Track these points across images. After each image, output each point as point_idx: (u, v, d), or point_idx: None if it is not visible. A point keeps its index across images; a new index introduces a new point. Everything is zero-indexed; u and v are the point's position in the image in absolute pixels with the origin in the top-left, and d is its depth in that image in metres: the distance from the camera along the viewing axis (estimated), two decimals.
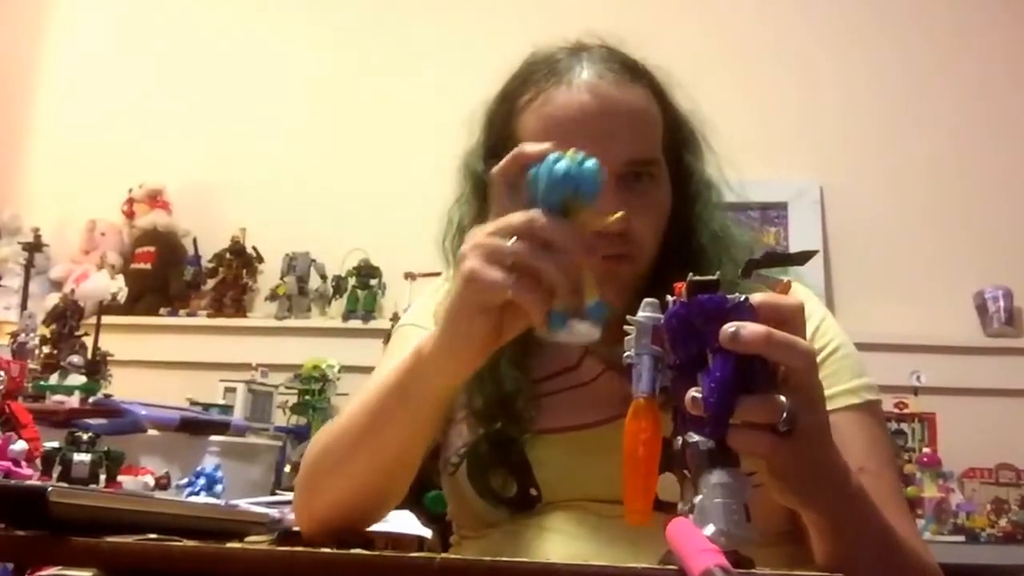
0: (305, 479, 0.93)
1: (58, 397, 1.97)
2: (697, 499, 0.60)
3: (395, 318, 2.44)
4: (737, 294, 0.63)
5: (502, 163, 0.76)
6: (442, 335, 0.77)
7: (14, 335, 2.12)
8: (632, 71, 0.92)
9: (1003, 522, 2.12)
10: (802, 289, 0.97)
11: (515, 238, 0.71)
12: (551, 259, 0.70)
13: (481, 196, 0.96)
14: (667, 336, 0.64)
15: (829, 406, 0.86)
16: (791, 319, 0.64)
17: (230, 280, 2.76)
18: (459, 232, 0.98)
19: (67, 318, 2.25)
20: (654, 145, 0.92)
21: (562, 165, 0.72)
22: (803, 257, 0.70)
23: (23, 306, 2.58)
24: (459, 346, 0.77)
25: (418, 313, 1.04)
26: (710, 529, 0.58)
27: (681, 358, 0.64)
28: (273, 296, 2.72)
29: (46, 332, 2.23)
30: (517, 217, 0.72)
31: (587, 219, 0.73)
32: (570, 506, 0.89)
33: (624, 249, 0.89)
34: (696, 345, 0.62)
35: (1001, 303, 2.40)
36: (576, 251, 0.71)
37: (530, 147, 0.75)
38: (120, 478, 1.58)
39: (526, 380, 0.92)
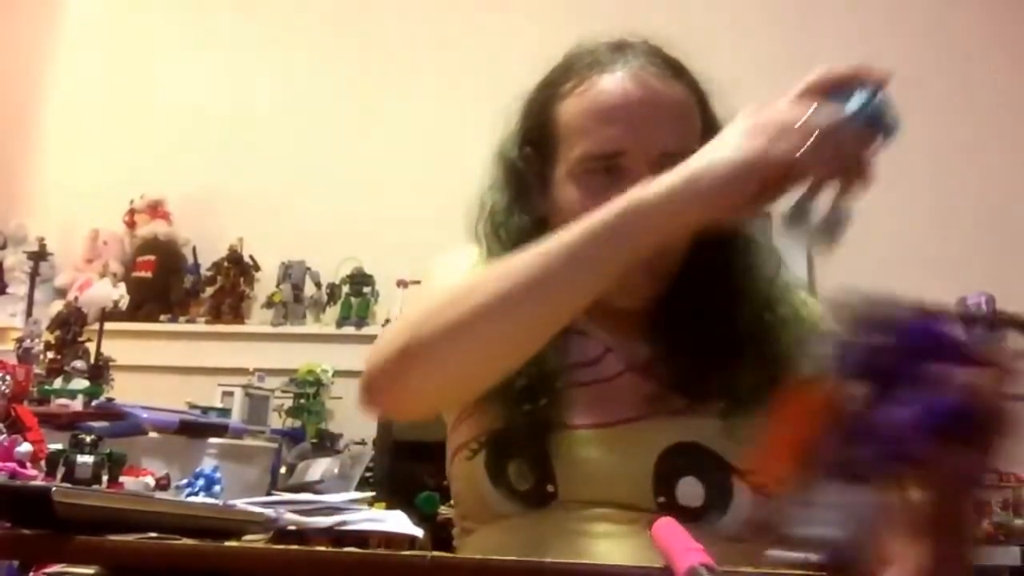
0: (422, 342, 0.79)
1: (62, 401, 2.03)
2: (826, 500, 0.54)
3: (388, 324, 2.48)
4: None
5: (839, 68, 0.74)
6: (705, 182, 0.72)
7: (19, 341, 2.16)
8: (674, 69, 0.92)
9: (985, 524, 2.12)
10: (818, 304, 0.97)
11: (838, 129, 0.71)
12: (850, 170, 0.71)
13: (514, 182, 0.96)
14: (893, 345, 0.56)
15: None
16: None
17: (228, 288, 2.81)
18: (491, 217, 0.95)
19: (71, 324, 2.30)
20: (692, 140, 0.89)
21: (886, 98, 0.73)
22: None
23: (28, 313, 2.63)
24: (715, 197, 0.72)
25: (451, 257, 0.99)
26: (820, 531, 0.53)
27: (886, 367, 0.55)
28: (269, 303, 2.77)
29: (50, 338, 2.27)
30: (842, 118, 0.71)
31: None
32: (585, 506, 0.85)
33: None
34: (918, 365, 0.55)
35: (984, 309, 2.41)
36: (867, 166, 0.72)
37: (876, 69, 0.73)
38: (122, 479, 1.63)
39: (565, 363, 0.89)
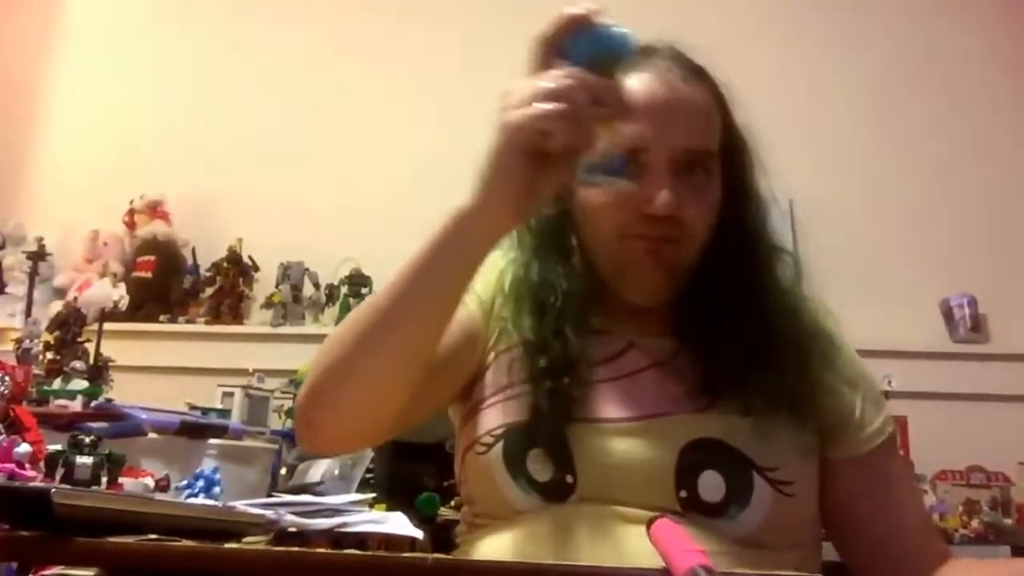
0: (315, 390, 0.83)
1: (61, 401, 2.01)
2: None
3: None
4: None
5: (547, 28, 0.75)
6: (482, 183, 0.75)
7: (19, 341, 2.16)
8: (698, 73, 0.95)
9: (975, 523, 2.17)
10: (831, 318, 1.00)
11: (561, 83, 0.71)
12: (593, 111, 0.71)
13: None
14: None
15: (879, 440, 0.92)
16: None
17: (227, 288, 2.82)
18: None
19: (70, 325, 2.29)
20: (712, 140, 0.93)
21: (601, 28, 0.74)
22: None
23: (27, 313, 2.63)
24: (498, 192, 0.75)
25: None
26: None
27: None
28: (268, 304, 2.78)
29: (50, 338, 2.26)
30: (562, 71, 0.72)
31: (619, 80, 0.75)
32: (605, 503, 0.84)
33: (673, 233, 0.89)
34: None
35: (967, 310, 2.46)
36: (618, 106, 0.73)
37: (574, 9, 0.74)
38: (121, 480, 1.61)
39: (588, 350, 0.90)
